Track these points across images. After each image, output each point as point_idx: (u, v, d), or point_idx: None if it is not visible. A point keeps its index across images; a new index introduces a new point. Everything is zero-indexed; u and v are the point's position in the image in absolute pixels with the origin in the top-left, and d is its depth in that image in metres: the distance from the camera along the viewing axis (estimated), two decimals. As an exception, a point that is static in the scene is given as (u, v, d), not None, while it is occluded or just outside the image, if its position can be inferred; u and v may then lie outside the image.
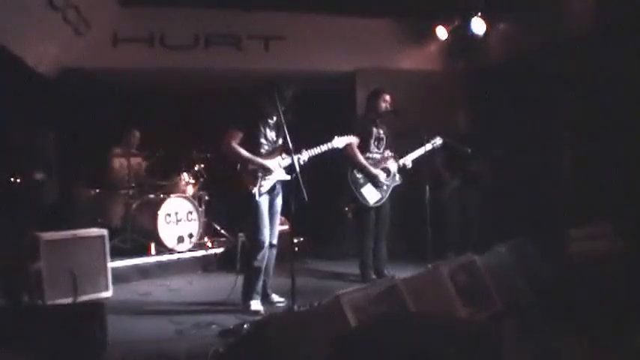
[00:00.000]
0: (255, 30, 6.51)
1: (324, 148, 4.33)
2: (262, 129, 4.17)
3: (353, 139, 4.62)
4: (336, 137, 4.43)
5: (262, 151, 4.16)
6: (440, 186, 5.68)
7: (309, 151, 4.21)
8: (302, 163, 4.09)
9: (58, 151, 6.44)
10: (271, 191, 4.18)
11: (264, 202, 4.12)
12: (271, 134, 4.22)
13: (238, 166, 4.09)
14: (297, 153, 4.03)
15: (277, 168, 4.16)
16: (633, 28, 4.53)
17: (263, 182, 4.09)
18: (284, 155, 4.18)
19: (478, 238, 5.48)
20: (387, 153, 5.15)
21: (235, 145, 4.05)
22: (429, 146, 5.12)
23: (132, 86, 6.89)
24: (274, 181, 4.17)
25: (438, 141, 5.22)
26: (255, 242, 4.11)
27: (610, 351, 3.01)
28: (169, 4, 6.15)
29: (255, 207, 4.06)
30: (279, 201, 4.28)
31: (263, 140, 4.17)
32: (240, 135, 4.07)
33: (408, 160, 5.11)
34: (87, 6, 5.52)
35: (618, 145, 4.79)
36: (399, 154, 5.15)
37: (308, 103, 5.20)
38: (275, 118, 4.19)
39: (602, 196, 4.83)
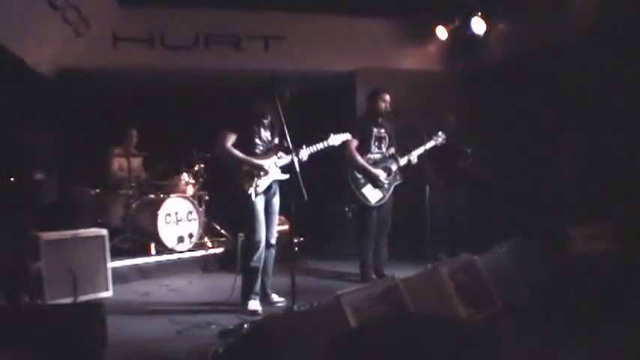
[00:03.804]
0: (255, 30, 6.51)
1: (320, 146, 4.32)
2: (256, 129, 4.16)
3: (349, 137, 4.60)
4: (332, 135, 4.42)
5: (257, 151, 4.16)
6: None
7: (307, 148, 4.20)
8: (302, 159, 4.09)
9: (58, 151, 6.43)
10: (267, 191, 4.18)
11: (260, 202, 4.11)
12: (266, 134, 4.22)
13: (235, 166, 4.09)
14: (295, 151, 4.02)
15: (273, 168, 4.15)
16: (633, 29, 4.53)
17: (259, 182, 4.08)
18: (280, 154, 4.18)
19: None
20: (389, 152, 5.14)
21: (229, 146, 4.05)
22: (431, 143, 5.13)
23: (132, 86, 6.89)
24: (270, 180, 4.16)
25: (441, 138, 5.22)
26: (251, 242, 4.11)
27: (610, 351, 3.01)
28: (169, 4, 6.14)
29: (251, 207, 4.06)
30: (275, 201, 4.28)
31: (257, 140, 4.17)
32: (233, 136, 4.07)
33: (413, 157, 5.08)
34: (87, 6, 5.52)
35: (618, 145, 4.79)
36: (400, 154, 5.14)
37: (308, 103, 5.22)
38: (269, 118, 4.19)
39: (602, 196, 4.83)
